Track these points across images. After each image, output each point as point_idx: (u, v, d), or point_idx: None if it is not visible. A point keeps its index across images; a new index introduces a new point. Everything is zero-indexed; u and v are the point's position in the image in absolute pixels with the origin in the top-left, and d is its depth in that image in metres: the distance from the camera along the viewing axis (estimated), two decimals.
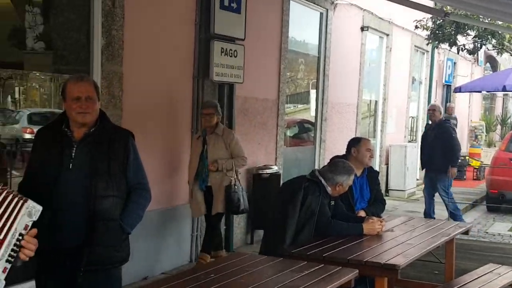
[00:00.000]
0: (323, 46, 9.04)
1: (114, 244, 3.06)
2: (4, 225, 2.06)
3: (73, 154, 3.03)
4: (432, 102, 13.11)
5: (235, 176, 5.73)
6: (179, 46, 5.91)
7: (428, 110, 9.25)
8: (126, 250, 3.18)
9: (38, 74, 6.61)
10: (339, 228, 4.17)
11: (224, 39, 6.33)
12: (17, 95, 9.30)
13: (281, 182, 6.88)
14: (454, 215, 8.59)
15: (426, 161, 8.81)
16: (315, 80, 9.18)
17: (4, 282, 2.05)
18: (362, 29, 10.21)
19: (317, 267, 3.37)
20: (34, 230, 2.18)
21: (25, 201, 2.16)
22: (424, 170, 9.01)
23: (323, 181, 4.20)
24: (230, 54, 6.42)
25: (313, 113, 9.27)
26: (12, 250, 2.08)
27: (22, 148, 6.55)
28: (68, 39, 5.11)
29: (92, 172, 3.00)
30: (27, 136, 6.88)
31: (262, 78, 7.39)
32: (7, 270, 2.05)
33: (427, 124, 10.70)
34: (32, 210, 2.19)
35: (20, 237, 2.11)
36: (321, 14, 8.99)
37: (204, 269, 3.41)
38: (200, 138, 5.75)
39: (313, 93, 9.28)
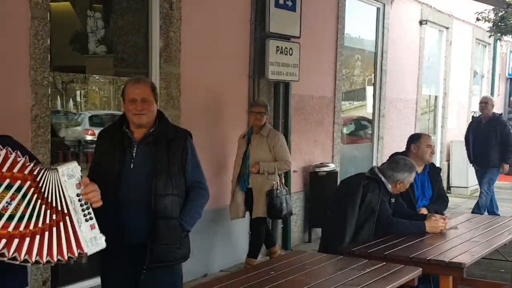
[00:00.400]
0: (380, 41, 8.91)
1: (174, 242, 3.10)
2: (59, 202, 2.17)
3: (134, 154, 3.09)
4: (485, 94, 12.64)
5: (278, 180, 5.49)
6: (234, 45, 5.94)
7: (480, 102, 8.64)
8: (187, 247, 3.22)
9: (98, 77, 6.80)
10: (401, 226, 4.09)
11: (279, 38, 6.32)
12: (78, 98, 9.61)
13: (338, 180, 6.81)
14: (481, 209, 8.27)
15: (477, 156, 8.40)
16: (372, 76, 9.05)
17: (102, 235, 2.25)
18: (421, 23, 10.00)
19: (379, 265, 3.32)
20: (86, 179, 2.29)
21: (57, 169, 2.23)
22: (474, 165, 8.63)
23: (383, 178, 4.13)
24: (286, 53, 6.41)
25: (370, 110, 9.14)
26: (83, 210, 2.19)
27: (84, 149, 6.77)
28: (128, 42, 5.23)
29: (152, 171, 3.04)
30: (89, 137, 7.10)
31: (318, 76, 7.34)
32: (96, 225, 2.22)
33: (474, 117, 10.32)
34: (69, 171, 2.25)
35: (80, 196, 2.22)
36: (378, 9, 8.86)
37: (264, 266, 3.41)
38: (245, 138, 5.62)
39: (369, 89, 9.15)
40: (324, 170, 7.10)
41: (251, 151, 5.51)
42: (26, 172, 2.17)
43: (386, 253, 3.64)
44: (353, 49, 8.63)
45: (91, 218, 2.23)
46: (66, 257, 2.15)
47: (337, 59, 7.69)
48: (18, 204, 2.12)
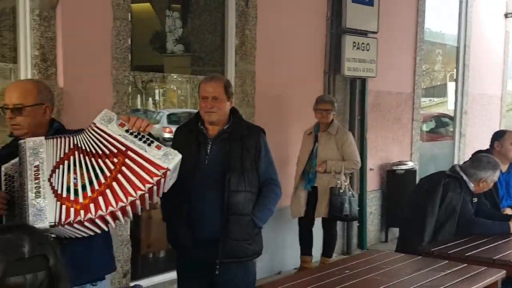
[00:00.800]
0: (462, 35, 8.58)
1: (247, 238, 3.12)
2: (112, 146, 2.25)
3: (208, 150, 3.14)
4: None
5: (343, 179, 5.25)
6: (310, 42, 5.91)
7: None
8: (259, 244, 3.23)
9: (176, 76, 6.96)
10: (484, 227, 3.92)
11: (356, 33, 6.22)
12: (157, 97, 9.88)
13: (417, 179, 6.62)
14: None
15: None
16: (453, 72, 8.73)
17: (172, 149, 2.27)
18: (506, 15, 9.54)
19: (460, 267, 3.20)
20: (124, 116, 2.37)
21: (93, 123, 2.31)
22: None
23: (464, 177, 3.97)
24: (363, 48, 6.30)
25: (451, 106, 8.82)
26: (140, 139, 2.25)
27: None
28: (204, 40, 5.31)
29: (226, 167, 3.08)
30: (167, 135, 7.28)
31: (396, 71, 7.16)
32: (161, 145, 2.25)
33: None
34: (105, 118, 2.33)
35: (130, 131, 2.27)
36: (461, 2, 8.54)
37: (338, 265, 3.37)
38: (311, 135, 5.39)
39: (451, 85, 8.83)
40: (402, 168, 6.92)
41: (319, 150, 5.31)
42: (71, 146, 2.28)
43: (467, 254, 3.50)
44: (434, 44, 8.37)
45: (152, 142, 2.27)
46: (153, 181, 2.19)
47: (417, 54, 7.47)
48: (81, 174, 2.23)
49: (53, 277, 1.59)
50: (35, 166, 2.23)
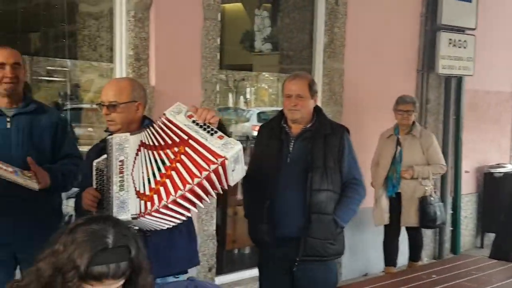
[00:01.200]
0: None
1: (328, 237, 3.09)
2: (175, 136, 2.31)
3: (291, 148, 3.15)
4: None
5: (431, 186, 4.95)
6: (402, 39, 5.76)
7: None
8: (341, 243, 3.20)
9: (267, 75, 7.03)
10: None
11: (452, 30, 6.00)
12: (248, 95, 10.01)
13: None
14: None
15: None
16: None
17: (234, 140, 2.27)
18: None
19: None
20: (193, 108, 2.40)
21: (164, 114, 2.39)
22: None
23: None
24: (459, 45, 6.07)
25: None
26: (204, 129, 2.29)
27: (251, 144, 7.03)
28: (293, 39, 5.33)
29: (308, 166, 3.07)
30: (256, 133, 7.35)
31: (495, 70, 6.81)
32: (224, 136, 2.27)
33: None
34: (174, 110, 2.39)
35: (196, 121, 2.32)
36: None
37: (426, 269, 3.28)
38: (391, 138, 5.01)
39: None
40: (501, 171, 6.60)
41: (404, 154, 4.95)
42: (139, 142, 2.39)
43: None
44: None
45: (215, 132, 2.29)
46: (209, 169, 2.20)
47: None
48: (146, 168, 2.31)
49: (134, 268, 1.66)
50: (120, 161, 2.34)
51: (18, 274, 2.82)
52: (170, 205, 2.24)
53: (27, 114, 2.88)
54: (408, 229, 5.20)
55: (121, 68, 3.83)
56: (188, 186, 2.21)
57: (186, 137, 2.29)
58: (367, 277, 5.29)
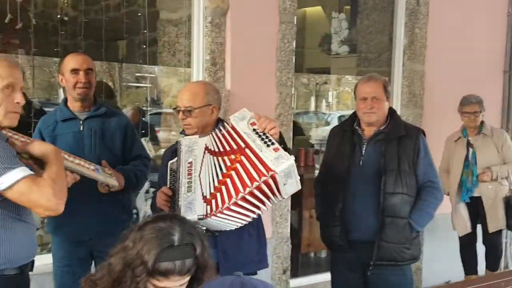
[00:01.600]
0: None
1: (403, 242, 3.03)
2: (233, 143, 2.37)
3: (363, 151, 3.11)
4: None
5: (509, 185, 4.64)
6: (487, 39, 5.53)
7: None
8: (417, 248, 3.12)
9: (350, 78, 6.96)
10: None
11: None
12: (330, 99, 9.95)
13: None
14: None
15: None
16: None
17: (288, 154, 2.26)
18: None
19: None
20: (257, 115, 2.43)
21: (229, 118, 2.44)
22: None
23: None
24: None
25: None
26: (262, 139, 2.31)
27: None
28: (371, 41, 5.26)
29: (382, 169, 3.02)
30: None
31: None
32: (280, 148, 2.28)
33: None
34: (239, 116, 2.44)
35: (256, 130, 2.35)
36: None
37: (506, 276, 3.13)
38: (460, 141, 4.74)
39: None
40: None
41: (478, 155, 4.68)
42: (203, 146, 2.46)
43: None
44: None
45: (272, 144, 2.30)
46: (260, 180, 2.24)
47: None
48: (209, 173, 2.38)
49: (200, 265, 1.71)
50: (189, 163, 2.41)
51: (93, 270, 2.97)
52: (225, 211, 2.30)
53: (98, 117, 3.01)
54: (487, 237, 4.93)
55: (198, 72, 3.94)
56: (240, 195, 2.27)
57: (243, 145, 2.34)
58: (449, 285, 5.11)
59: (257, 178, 2.24)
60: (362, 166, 3.09)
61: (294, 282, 4.45)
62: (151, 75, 5.12)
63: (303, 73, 7.74)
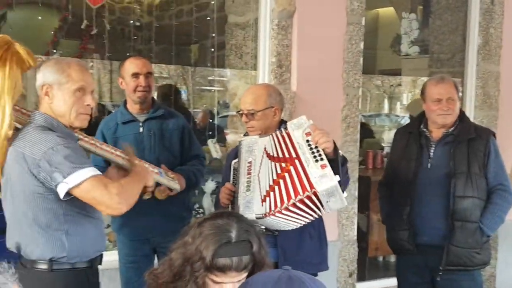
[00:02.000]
0: None
1: (473, 246, 2.95)
2: (286, 151, 2.39)
3: (431, 153, 3.04)
4: None
5: None
6: None
7: None
8: (487, 253, 3.03)
9: (425, 80, 6.80)
10: None
11: None
12: (404, 101, 9.74)
13: None
14: None
15: None
16: None
17: (333, 174, 2.25)
18: None
19: None
20: (313, 126, 2.41)
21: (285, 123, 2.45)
22: None
23: None
24: None
25: None
26: (312, 153, 2.31)
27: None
28: (444, 41, 5.12)
29: (451, 171, 2.94)
30: None
31: None
32: (328, 165, 2.27)
33: None
34: (296, 123, 2.43)
35: (309, 142, 2.34)
36: None
37: None
38: None
39: None
40: None
41: None
42: (262, 147, 2.50)
43: None
44: None
45: (321, 159, 2.29)
46: (302, 196, 2.26)
47: None
48: (264, 175, 2.41)
49: (257, 262, 1.74)
50: (248, 162, 2.45)
51: (156, 265, 3.06)
52: (277, 214, 2.33)
53: (156, 119, 3.09)
54: None
55: (264, 75, 3.98)
56: (284, 205, 2.29)
57: (294, 156, 2.36)
58: None
59: (300, 192, 2.27)
60: (430, 169, 3.02)
61: (360, 285, 4.39)
62: (223, 79, 5.21)
63: (375, 74, 7.62)
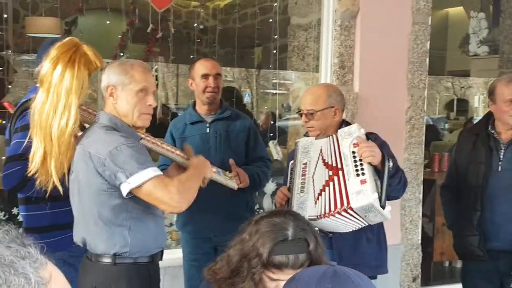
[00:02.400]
0: None
1: None
2: (334, 159, 2.39)
3: (501, 156, 2.93)
4: None
5: None
6: None
7: None
8: None
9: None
10: None
11: None
12: (476, 104, 9.43)
13: None
14: None
15: None
16: None
17: (371, 191, 2.23)
18: None
19: None
20: (359, 138, 2.39)
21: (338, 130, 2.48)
22: None
23: None
24: None
25: None
26: (355, 166, 2.29)
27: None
28: None
29: None
30: None
31: None
32: (368, 181, 2.25)
33: None
34: (347, 131, 2.42)
35: (354, 153, 2.33)
36: None
37: None
38: None
39: None
40: None
41: None
42: (319, 149, 2.51)
43: None
44: None
45: (362, 174, 2.27)
46: (339, 209, 2.27)
47: None
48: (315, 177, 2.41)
49: (313, 261, 1.73)
50: (303, 164, 2.44)
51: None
52: (325, 218, 2.34)
53: (223, 120, 3.12)
54: None
55: (326, 76, 3.95)
56: (331, 212, 2.30)
57: (339, 166, 2.36)
58: None
59: (338, 205, 2.29)
60: (501, 172, 2.91)
61: None
62: (286, 82, 5.22)
63: (444, 76, 7.41)
